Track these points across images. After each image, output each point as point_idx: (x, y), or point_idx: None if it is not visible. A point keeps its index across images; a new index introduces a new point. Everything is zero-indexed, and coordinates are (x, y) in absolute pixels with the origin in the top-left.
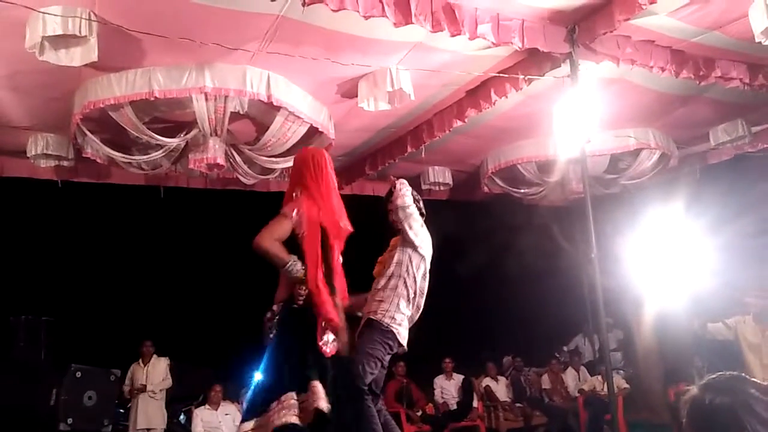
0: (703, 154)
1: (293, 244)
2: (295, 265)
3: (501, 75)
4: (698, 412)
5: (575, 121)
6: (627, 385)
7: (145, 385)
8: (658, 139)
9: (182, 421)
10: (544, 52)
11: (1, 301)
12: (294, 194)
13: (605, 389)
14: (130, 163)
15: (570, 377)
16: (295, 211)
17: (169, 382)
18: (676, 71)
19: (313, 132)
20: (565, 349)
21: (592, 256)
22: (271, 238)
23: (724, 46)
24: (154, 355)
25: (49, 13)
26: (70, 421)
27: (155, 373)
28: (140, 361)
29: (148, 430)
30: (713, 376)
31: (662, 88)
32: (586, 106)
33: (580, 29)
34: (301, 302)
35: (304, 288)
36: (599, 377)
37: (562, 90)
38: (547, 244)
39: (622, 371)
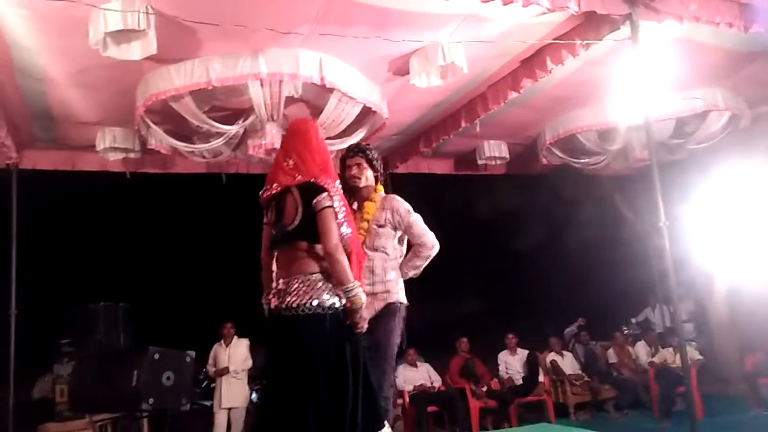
0: None
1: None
2: (357, 289)
3: (557, 42)
4: None
5: (637, 85)
6: (700, 357)
7: (228, 367)
8: (728, 99)
9: (254, 400)
10: (602, 14)
11: (81, 288)
12: (287, 162)
13: (677, 361)
14: (192, 152)
15: (642, 349)
16: (335, 197)
17: (250, 363)
18: (745, 26)
19: (366, 112)
20: (633, 321)
21: (660, 225)
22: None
23: None
24: (235, 337)
25: (108, 9)
26: (151, 400)
27: (237, 354)
28: (222, 342)
29: (231, 408)
30: None
31: (730, 45)
32: (649, 69)
33: None
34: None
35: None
36: (670, 349)
37: (622, 53)
38: (610, 215)
39: (694, 342)
